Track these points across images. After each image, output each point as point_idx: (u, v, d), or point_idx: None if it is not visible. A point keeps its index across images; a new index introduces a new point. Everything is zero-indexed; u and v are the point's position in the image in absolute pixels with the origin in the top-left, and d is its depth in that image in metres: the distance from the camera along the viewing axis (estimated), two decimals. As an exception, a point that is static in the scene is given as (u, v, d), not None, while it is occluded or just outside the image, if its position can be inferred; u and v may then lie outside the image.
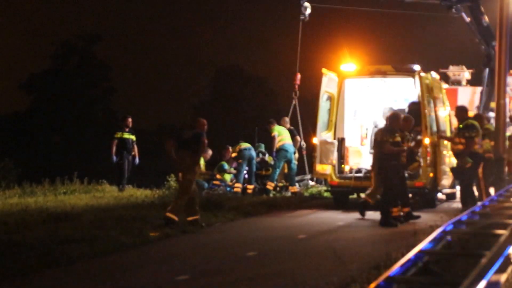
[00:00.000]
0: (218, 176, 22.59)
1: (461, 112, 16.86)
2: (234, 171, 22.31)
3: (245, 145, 21.85)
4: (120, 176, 21.90)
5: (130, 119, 22.08)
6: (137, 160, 22.03)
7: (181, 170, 14.73)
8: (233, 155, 22.01)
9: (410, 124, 15.58)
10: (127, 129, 21.89)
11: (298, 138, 22.31)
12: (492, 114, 21.79)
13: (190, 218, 14.59)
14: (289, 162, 21.30)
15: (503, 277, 5.89)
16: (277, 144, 21.18)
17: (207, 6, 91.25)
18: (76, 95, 55.88)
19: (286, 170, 21.95)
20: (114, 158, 21.66)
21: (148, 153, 56.18)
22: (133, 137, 21.92)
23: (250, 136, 24.36)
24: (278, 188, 21.72)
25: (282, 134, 21.26)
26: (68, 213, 15.04)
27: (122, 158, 21.66)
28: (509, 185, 15.83)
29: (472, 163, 16.16)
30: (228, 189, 21.88)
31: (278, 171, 21.38)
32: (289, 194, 21.23)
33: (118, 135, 21.79)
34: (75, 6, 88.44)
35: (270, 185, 21.25)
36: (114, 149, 21.62)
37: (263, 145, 23.06)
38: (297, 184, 22.28)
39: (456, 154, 16.65)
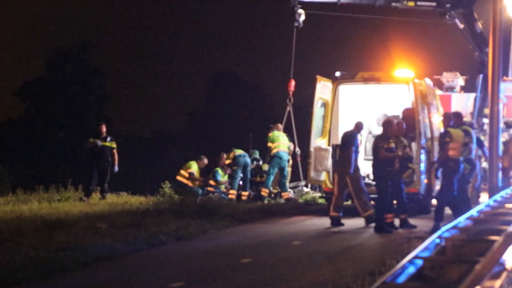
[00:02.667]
0: (212, 183, 22.58)
1: (455, 118, 16.89)
2: (226, 181, 22.29)
3: (239, 151, 21.85)
4: (96, 187, 21.33)
5: (103, 126, 21.46)
6: (116, 167, 21.26)
7: (345, 172, 15.98)
8: (227, 162, 22.00)
9: (402, 129, 15.58)
10: (101, 136, 21.24)
11: (291, 144, 22.30)
12: (486, 120, 21.85)
13: (365, 214, 15.96)
14: (282, 169, 21.30)
15: (497, 284, 5.90)
16: (273, 150, 21.19)
17: (202, 12, 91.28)
18: (70, 102, 55.82)
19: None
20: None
21: (142, 160, 56.31)
22: (107, 144, 21.18)
23: (244, 142, 24.35)
24: (272, 195, 21.72)
25: (278, 141, 21.24)
26: (63, 221, 15.01)
27: (92, 167, 21.13)
28: (504, 191, 15.85)
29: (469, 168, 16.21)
30: (223, 195, 21.86)
31: (272, 178, 21.38)
32: (283, 200, 21.23)
33: (91, 140, 21.23)
34: (69, 13, 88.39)
35: (264, 192, 21.25)
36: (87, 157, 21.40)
37: (257, 152, 23.06)
38: (291, 191, 22.28)
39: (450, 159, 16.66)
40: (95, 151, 21.09)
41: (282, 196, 21.45)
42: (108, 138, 21.31)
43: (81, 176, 22.46)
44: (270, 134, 21.41)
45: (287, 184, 21.73)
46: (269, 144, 21.31)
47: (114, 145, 21.39)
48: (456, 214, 14.96)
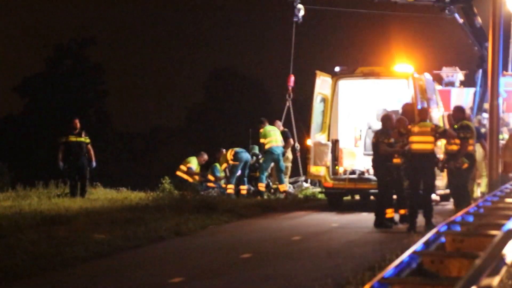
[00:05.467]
0: (210, 178, 22.57)
1: (457, 112, 16.87)
2: (223, 177, 22.24)
3: (239, 148, 21.83)
4: (70, 184, 20.48)
5: (76, 121, 20.53)
6: (93, 163, 20.48)
7: None
8: (229, 158, 21.81)
9: (404, 125, 15.56)
10: (75, 132, 20.35)
11: (291, 140, 22.27)
12: (485, 115, 21.83)
13: None
14: (276, 162, 21.27)
15: (496, 279, 5.90)
16: (266, 145, 21.17)
17: (201, 8, 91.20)
18: (70, 98, 55.79)
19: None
20: (61, 164, 20.16)
21: (142, 155, 56.30)
22: (82, 139, 20.34)
23: (244, 138, 24.31)
24: (272, 190, 21.70)
25: (270, 136, 21.18)
26: (62, 216, 15.01)
27: (69, 164, 20.22)
28: (503, 186, 15.85)
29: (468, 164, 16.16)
30: (222, 191, 21.85)
31: (265, 173, 21.38)
32: (282, 195, 21.20)
33: (63, 139, 20.33)
34: (69, 9, 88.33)
35: (261, 187, 21.25)
36: (60, 155, 20.15)
37: (257, 147, 23.05)
38: (291, 186, 22.26)
39: (450, 154, 16.65)
40: (70, 148, 20.26)
41: (279, 189, 21.43)
42: (83, 133, 20.46)
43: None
44: (261, 130, 21.39)
45: (283, 177, 21.61)
46: (262, 140, 21.29)
47: (88, 140, 20.53)
48: (457, 208, 14.97)
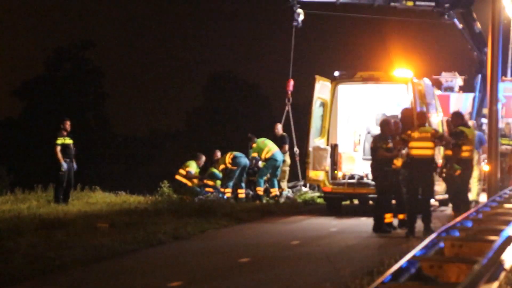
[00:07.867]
0: (207, 182, 22.53)
1: (453, 118, 16.90)
2: (216, 181, 22.19)
3: (238, 153, 21.80)
4: (56, 188, 19.92)
5: (68, 123, 19.99)
6: (74, 165, 19.95)
7: None
8: (226, 165, 21.72)
9: (398, 129, 15.56)
10: (65, 134, 19.85)
11: (286, 147, 22.23)
12: (484, 120, 21.86)
13: None
14: (275, 169, 21.28)
15: (495, 284, 5.91)
16: (267, 155, 21.17)
17: (200, 12, 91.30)
18: (69, 101, 55.82)
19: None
20: (64, 165, 19.53)
21: (141, 159, 56.30)
22: (71, 142, 19.96)
23: (243, 142, 24.31)
24: (271, 194, 21.69)
25: (266, 145, 21.23)
26: (61, 220, 15.01)
27: (64, 166, 19.64)
28: (502, 191, 15.86)
29: (462, 169, 16.13)
30: (221, 195, 21.82)
31: (264, 178, 21.38)
32: (282, 200, 21.20)
33: (60, 140, 19.74)
34: (68, 12, 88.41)
35: (259, 191, 21.25)
36: (60, 156, 19.51)
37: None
38: (289, 190, 22.24)
39: (447, 160, 16.68)
40: (66, 150, 19.79)
41: (281, 196, 21.44)
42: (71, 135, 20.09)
43: (85, 175, 21.34)
44: (254, 145, 21.40)
45: (275, 181, 21.59)
46: (255, 155, 21.28)
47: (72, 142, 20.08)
48: (456, 213, 14.98)
